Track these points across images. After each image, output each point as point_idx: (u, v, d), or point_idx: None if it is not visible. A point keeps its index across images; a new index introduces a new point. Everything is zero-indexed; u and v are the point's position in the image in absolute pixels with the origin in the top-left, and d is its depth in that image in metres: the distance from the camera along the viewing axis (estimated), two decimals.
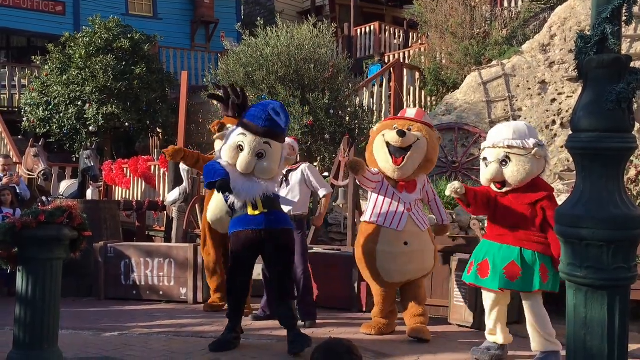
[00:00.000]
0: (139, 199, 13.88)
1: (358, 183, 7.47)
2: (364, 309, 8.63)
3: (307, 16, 15.69)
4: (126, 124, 16.99)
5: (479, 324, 7.56)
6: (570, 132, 3.74)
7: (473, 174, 12.42)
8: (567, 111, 12.56)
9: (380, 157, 7.21)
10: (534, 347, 6.26)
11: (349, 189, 9.56)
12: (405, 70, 16.16)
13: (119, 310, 8.95)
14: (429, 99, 16.26)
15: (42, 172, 11.33)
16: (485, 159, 6.45)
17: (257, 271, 7.49)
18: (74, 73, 16.52)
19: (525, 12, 15.35)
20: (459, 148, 12.97)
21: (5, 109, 18.88)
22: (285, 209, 7.61)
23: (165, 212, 12.94)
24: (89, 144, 12.38)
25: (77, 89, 16.44)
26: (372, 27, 21.49)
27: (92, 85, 16.23)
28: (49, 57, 17.22)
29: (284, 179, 7.97)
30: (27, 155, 11.66)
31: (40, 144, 11.80)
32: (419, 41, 20.02)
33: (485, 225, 6.99)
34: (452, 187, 6.34)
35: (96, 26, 17.20)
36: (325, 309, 8.52)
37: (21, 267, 5.48)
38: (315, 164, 12.97)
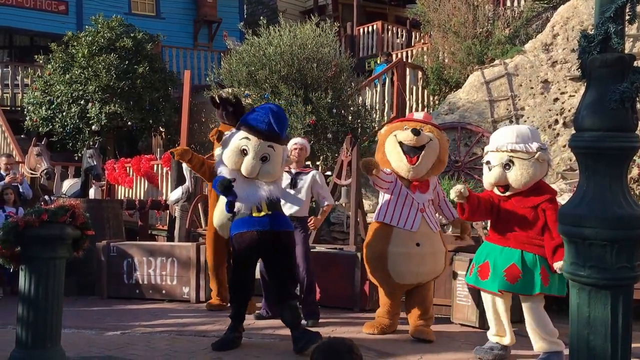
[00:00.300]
0: (142, 198, 13.91)
1: (372, 184, 7.42)
2: (367, 308, 8.63)
3: (309, 15, 15.71)
4: (129, 123, 16.98)
5: (482, 323, 7.56)
6: (574, 131, 3.74)
7: (475, 173, 12.40)
8: (569, 110, 12.54)
9: (393, 157, 7.19)
10: (536, 349, 6.27)
11: (352, 188, 9.56)
12: (407, 70, 16.15)
13: (121, 309, 8.96)
14: (431, 98, 16.24)
15: (45, 171, 11.33)
16: (488, 162, 6.46)
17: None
18: (76, 72, 16.51)
19: (528, 12, 15.33)
20: (462, 147, 12.96)
21: (8, 108, 18.86)
22: (292, 208, 7.63)
23: (167, 211, 12.95)
24: (91, 143, 12.39)
25: (80, 88, 16.43)
26: (374, 27, 21.46)
27: (94, 84, 16.22)
28: (52, 56, 17.20)
29: (293, 180, 7.98)
30: (29, 154, 11.67)
31: (42, 143, 11.81)
32: (422, 40, 19.99)
33: (488, 226, 6.98)
34: (456, 190, 6.33)
35: (99, 25, 17.18)
36: (328, 308, 8.52)
37: (24, 266, 5.48)
38: (318, 163, 12.98)
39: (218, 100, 7.40)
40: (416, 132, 6.98)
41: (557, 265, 5.86)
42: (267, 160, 6.54)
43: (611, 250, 3.46)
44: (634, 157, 3.89)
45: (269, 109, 6.66)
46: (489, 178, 6.45)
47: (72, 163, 15.97)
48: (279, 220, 6.73)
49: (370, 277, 7.59)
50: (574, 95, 12.66)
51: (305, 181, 8.06)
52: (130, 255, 9.62)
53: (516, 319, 7.01)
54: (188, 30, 22.93)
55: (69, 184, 13.78)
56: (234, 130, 7.26)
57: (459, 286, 8.00)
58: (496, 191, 6.46)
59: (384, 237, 7.21)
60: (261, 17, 14.22)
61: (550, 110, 12.85)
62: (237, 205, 6.65)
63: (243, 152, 6.54)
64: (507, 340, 6.48)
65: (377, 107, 14.98)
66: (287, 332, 6.75)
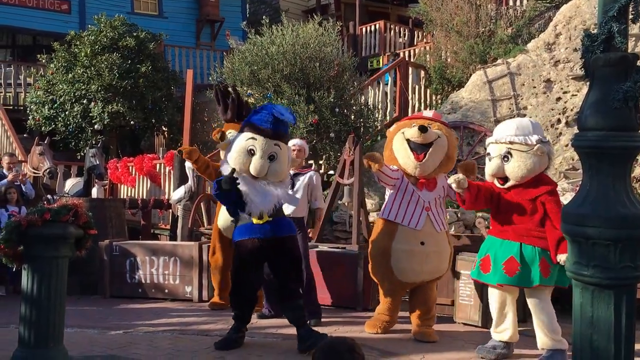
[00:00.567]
0: (144, 197, 13.91)
1: (376, 179, 7.40)
2: (369, 308, 8.62)
3: (312, 15, 15.68)
4: (131, 122, 17.00)
5: (484, 322, 7.55)
6: (576, 131, 3.74)
7: (478, 172, 12.40)
8: (572, 110, 12.54)
9: (400, 154, 7.16)
10: (539, 346, 6.26)
11: (354, 187, 9.56)
12: (410, 69, 16.14)
13: (124, 308, 8.96)
14: (434, 97, 16.24)
15: (48, 170, 11.32)
16: (489, 154, 6.46)
17: None
18: (79, 71, 16.53)
19: (531, 11, 15.31)
20: (464, 147, 12.95)
21: (11, 107, 18.89)
22: (289, 208, 7.62)
23: (170, 211, 12.95)
24: (94, 142, 12.41)
25: (83, 87, 16.45)
26: (377, 26, 21.48)
27: (97, 83, 16.24)
28: (55, 56, 17.23)
29: (291, 181, 7.97)
30: (32, 154, 11.66)
31: (45, 142, 11.80)
32: (424, 40, 20.00)
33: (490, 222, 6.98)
34: (455, 178, 6.32)
35: (101, 25, 17.21)
36: (330, 307, 8.52)
37: (27, 265, 5.49)
38: (321, 162, 12.98)
39: (220, 95, 7.45)
40: (423, 129, 6.94)
41: (561, 257, 5.85)
42: (275, 158, 6.54)
43: (614, 250, 3.46)
44: (637, 157, 3.88)
45: (272, 108, 6.67)
46: (487, 169, 6.47)
47: (75, 162, 15.98)
48: (281, 225, 6.72)
49: (372, 274, 7.55)
50: (576, 95, 12.65)
51: (302, 182, 8.08)
52: (133, 254, 9.62)
53: (521, 318, 7.02)
54: (190, 30, 22.95)
55: (72, 183, 13.76)
56: (232, 131, 7.31)
57: (461, 285, 7.99)
58: (496, 183, 6.45)
59: (389, 234, 7.18)
60: (264, 17, 14.21)
61: (552, 110, 12.84)
62: (242, 214, 6.65)
63: (250, 152, 6.52)
64: (507, 335, 6.46)
65: (379, 107, 14.98)
66: (289, 331, 6.75)
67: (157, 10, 22.71)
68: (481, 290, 7.49)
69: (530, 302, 6.25)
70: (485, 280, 6.41)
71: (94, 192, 12.52)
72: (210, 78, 15.49)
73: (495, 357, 6.41)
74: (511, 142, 6.27)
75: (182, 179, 12.20)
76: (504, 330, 6.48)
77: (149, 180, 14.45)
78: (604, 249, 3.47)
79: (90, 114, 16.44)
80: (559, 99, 12.90)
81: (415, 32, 21.51)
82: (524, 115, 12.93)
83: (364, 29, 21.81)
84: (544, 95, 13.06)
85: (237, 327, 6.81)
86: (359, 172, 9.44)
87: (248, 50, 13.23)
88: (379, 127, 14.52)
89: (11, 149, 15.57)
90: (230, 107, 8.45)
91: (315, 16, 13.76)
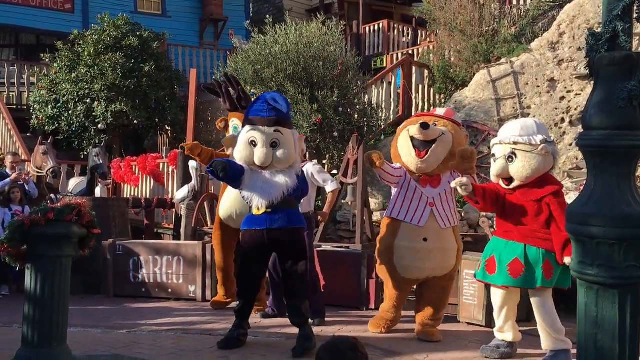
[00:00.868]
0: (148, 197, 13.91)
1: (379, 177, 7.39)
2: (373, 307, 8.62)
3: (315, 14, 15.70)
4: (135, 121, 17.01)
5: (488, 322, 7.54)
6: (580, 130, 3.73)
7: (482, 171, 12.39)
8: (575, 109, 12.54)
9: (404, 151, 7.15)
10: (544, 346, 6.25)
11: (358, 186, 9.55)
12: (414, 68, 16.15)
13: (127, 307, 8.97)
14: (437, 96, 16.23)
15: (51, 169, 11.32)
16: (493, 155, 6.45)
17: None
18: (82, 71, 16.54)
19: (534, 10, 15.30)
20: (468, 146, 12.94)
21: (14, 107, 18.92)
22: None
23: (173, 210, 12.95)
24: (97, 142, 12.40)
25: (86, 86, 16.46)
26: (380, 25, 21.45)
27: (100, 82, 16.25)
28: (58, 55, 17.25)
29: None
30: (35, 153, 11.66)
31: (49, 141, 11.80)
32: (428, 39, 19.99)
33: (495, 222, 6.97)
34: (459, 182, 6.30)
35: (105, 24, 17.23)
36: (334, 306, 8.51)
37: (30, 265, 5.49)
38: (324, 161, 12.98)
39: (216, 85, 7.49)
40: (425, 126, 6.91)
41: (567, 260, 5.83)
42: (278, 145, 6.53)
43: (619, 249, 3.44)
44: None
45: (264, 96, 6.70)
46: (492, 170, 6.47)
47: (78, 161, 15.97)
48: (279, 217, 6.59)
49: (377, 271, 7.56)
50: (580, 94, 12.65)
51: None
52: (137, 253, 9.62)
53: (522, 317, 7.01)
54: (194, 29, 22.93)
55: (75, 183, 13.76)
56: (235, 119, 7.31)
57: (465, 285, 7.98)
58: (501, 184, 6.44)
59: (393, 231, 7.18)
60: (267, 16, 14.24)
61: (556, 109, 12.83)
62: (246, 194, 6.65)
63: (252, 144, 6.53)
64: (510, 336, 6.46)
65: (383, 106, 14.97)
66: (293, 330, 6.74)
67: (160, 10, 22.71)
68: (485, 290, 7.48)
69: (534, 303, 6.23)
70: (491, 282, 6.39)
71: (98, 191, 12.51)
72: (213, 77, 15.47)
73: (499, 356, 6.40)
74: (515, 143, 6.26)
75: (185, 179, 12.19)
76: (507, 331, 6.47)
77: (152, 180, 14.46)
78: (608, 248, 3.46)
79: (94, 114, 16.46)
80: (562, 98, 12.89)
81: (419, 32, 21.48)
82: (528, 115, 12.93)
83: (367, 28, 21.78)
84: (547, 94, 13.05)
85: (237, 324, 6.80)
86: (363, 171, 9.44)
87: (251, 50, 13.25)
88: (383, 126, 14.53)
89: (14, 148, 15.61)
90: (227, 97, 8.50)
91: (318, 15, 13.79)
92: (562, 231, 5.91)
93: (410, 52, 18.91)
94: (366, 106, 13.68)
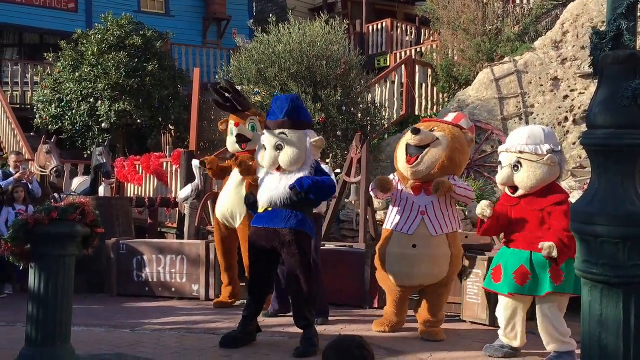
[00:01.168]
0: (151, 196, 13.91)
1: (372, 193, 7.55)
2: (376, 306, 8.61)
3: (319, 13, 15.69)
4: (138, 120, 17.02)
5: (492, 321, 7.53)
6: (584, 129, 3.72)
7: (485, 170, 12.40)
8: (579, 108, 12.52)
9: (399, 157, 7.20)
10: (548, 349, 6.23)
11: (361, 185, 9.54)
12: (417, 67, 16.14)
13: (131, 307, 8.97)
14: (441, 95, 16.23)
15: (55, 169, 11.32)
16: (500, 162, 6.46)
17: None
18: (86, 70, 16.55)
19: (538, 9, 15.27)
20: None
21: (18, 106, 18.95)
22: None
23: (177, 209, 12.95)
24: (101, 141, 12.40)
25: (90, 86, 16.47)
26: (384, 24, 21.44)
27: (104, 82, 16.26)
28: (62, 54, 17.26)
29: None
30: (39, 152, 11.66)
31: (52, 140, 11.80)
32: (431, 38, 19.97)
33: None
34: (482, 208, 6.34)
35: (108, 23, 17.23)
36: (338, 306, 8.51)
37: (34, 264, 5.49)
38: (328, 160, 12.97)
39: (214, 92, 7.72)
40: (415, 132, 6.90)
41: (544, 244, 5.90)
42: (282, 148, 6.59)
43: (623, 248, 3.44)
44: None
45: (273, 99, 6.84)
46: (498, 178, 6.48)
47: (82, 161, 15.99)
48: (280, 216, 6.60)
49: (377, 280, 7.65)
50: (583, 93, 12.63)
51: None
52: (140, 252, 9.63)
53: (529, 316, 6.98)
54: (197, 28, 22.96)
55: (79, 182, 13.77)
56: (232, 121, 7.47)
57: (469, 284, 7.98)
58: (507, 192, 6.45)
59: (386, 240, 7.27)
60: (270, 15, 14.23)
61: (560, 108, 12.82)
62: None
63: (263, 148, 6.74)
64: (517, 343, 6.44)
65: (386, 105, 14.97)
66: (296, 330, 6.73)
67: (163, 9, 22.74)
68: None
69: (538, 307, 6.20)
70: (497, 290, 6.38)
71: (101, 190, 12.52)
72: (217, 77, 15.47)
73: (503, 356, 6.40)
74: (521, 152, 6.25)
75: (189, 178, 12.19)
76: (513, 338, 6.43)
77: (155, 179, 14.46)
78: (612, 247, 3.45)
79: (97, 113, 16.47)
80: (566, 97, 12.87)
81: (422, 31, 21.47)
82: (531, 113, 12.92)
83: (370, 27, 21.78)
84: (551, 93, 13.04)
85: (241, 324, 6.80)
86: (366, 170, 9.43)
87: (255, 49, 13.25)
88: (386, 125, 14.52)
89: (18, 148, 15.60)
90: (223, 101, 8.63)
91: (322, 14, 13.78)
92: (556, 233, 5.92)
93: (410, 51, 18.90)
94: (370, 105, 13.67)
